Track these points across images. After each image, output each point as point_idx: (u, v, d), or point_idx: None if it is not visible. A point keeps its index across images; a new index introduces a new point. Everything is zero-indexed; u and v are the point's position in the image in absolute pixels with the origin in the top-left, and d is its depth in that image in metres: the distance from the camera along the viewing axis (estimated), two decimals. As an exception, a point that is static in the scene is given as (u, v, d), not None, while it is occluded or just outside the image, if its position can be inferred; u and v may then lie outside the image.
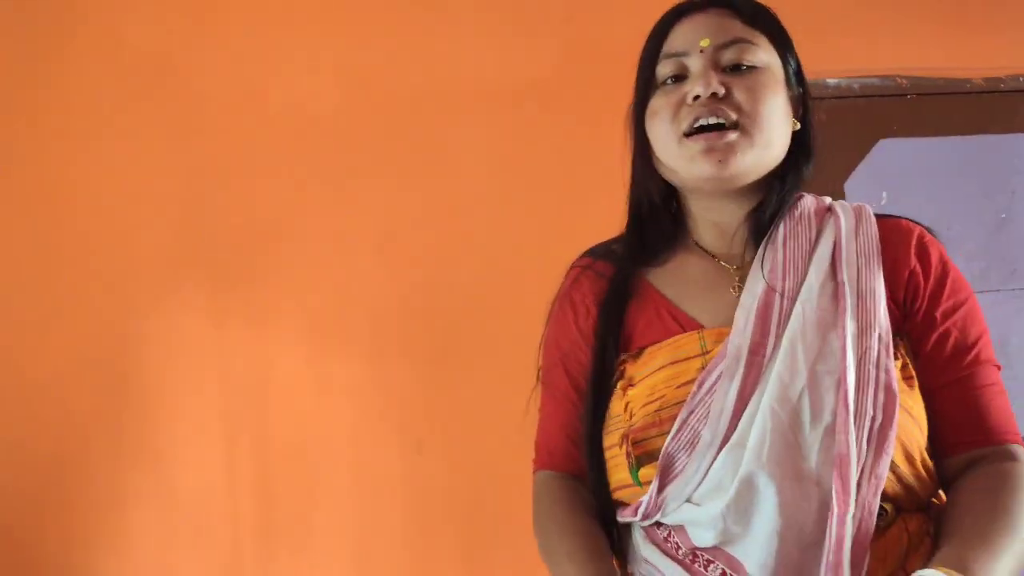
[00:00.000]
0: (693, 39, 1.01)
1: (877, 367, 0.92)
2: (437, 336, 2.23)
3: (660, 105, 1.02)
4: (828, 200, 1.09)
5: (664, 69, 1.03)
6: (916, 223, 1.08)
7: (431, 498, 2.18)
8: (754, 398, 0.93)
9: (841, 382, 0.91)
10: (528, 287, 2.25)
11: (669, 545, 0.97)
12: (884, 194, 2.48)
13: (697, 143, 0.98)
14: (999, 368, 1.02)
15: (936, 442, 0.99)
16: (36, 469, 2.08)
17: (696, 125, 0.99)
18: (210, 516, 2.13)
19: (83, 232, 2.17)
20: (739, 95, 0.98)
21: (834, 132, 2.47)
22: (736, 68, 1.00)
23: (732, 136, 0.98)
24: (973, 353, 1.00)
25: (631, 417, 1.00)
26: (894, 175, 2.49)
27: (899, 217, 1.09)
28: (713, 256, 1.07)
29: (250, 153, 2.24)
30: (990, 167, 2.54)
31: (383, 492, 2.18)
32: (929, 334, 1.00)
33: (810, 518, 0.89)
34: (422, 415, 2.20)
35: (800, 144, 1.07)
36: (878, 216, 1.06)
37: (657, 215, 1.10)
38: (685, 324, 1.02)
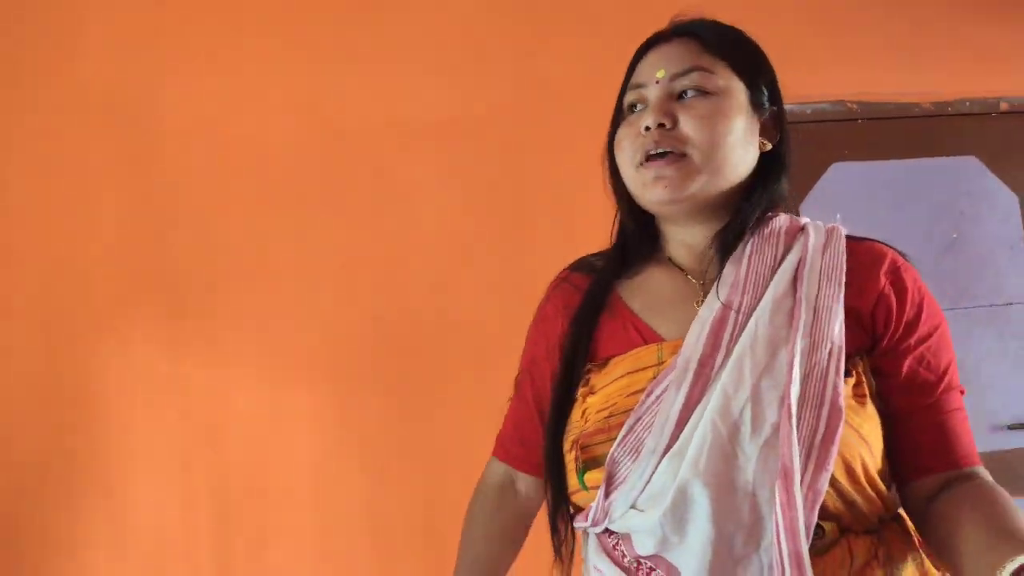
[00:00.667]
0: (652, 70, 1.05)
1: (824, 382, 0.93)
2: (396, 366, 2.22)
3: (623, 135, 1.07)
4: (804, 220, 1.09)
5: (628, 99, 1.08)
6: (890, 247, 1.08)
7: (393, 529, 2.16)
8: (698, 409, 0.94)
9: (785, 397, 0.92)
10: (486, 315, 2.28)
11: (617, 553, 0.98)
12: (838, 216, 2.51)
13: (649, 171, 1.03)
14: (963, 392, 1.03)
15: (903, 465, 1.00)
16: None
17: (647, 155, 1.03)
18: (167, 552, 2.09)
19: (38, 266, 2.14)
20: (686, 123, 1.01)
21: (788, 157, 2.52)
22: (692, 94, 1.03)
23: (677, 163, 1.01)
24: (946, 380, 1.00)
25: (586, 423, 1.02)
26: (846, 198, 2.54)
27: (874, 240, 1.08)
28: (683, 271, 1.10)
29: (205, 186, 2.23)
30: (939, 189, 2.59)
31: (344, 525, 2.16)
32: (904, 359, 1.00)
33: (743, 530, 0.90)
34: (383, 445, 2.19)
35: (771, 163, 1.08)
36: (852, 238, 1.07)
37: (636, 233, 1.13)
38: (647, 336, 1.05)
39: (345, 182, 2.29)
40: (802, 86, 2.56)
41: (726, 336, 0.97)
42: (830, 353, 0.94)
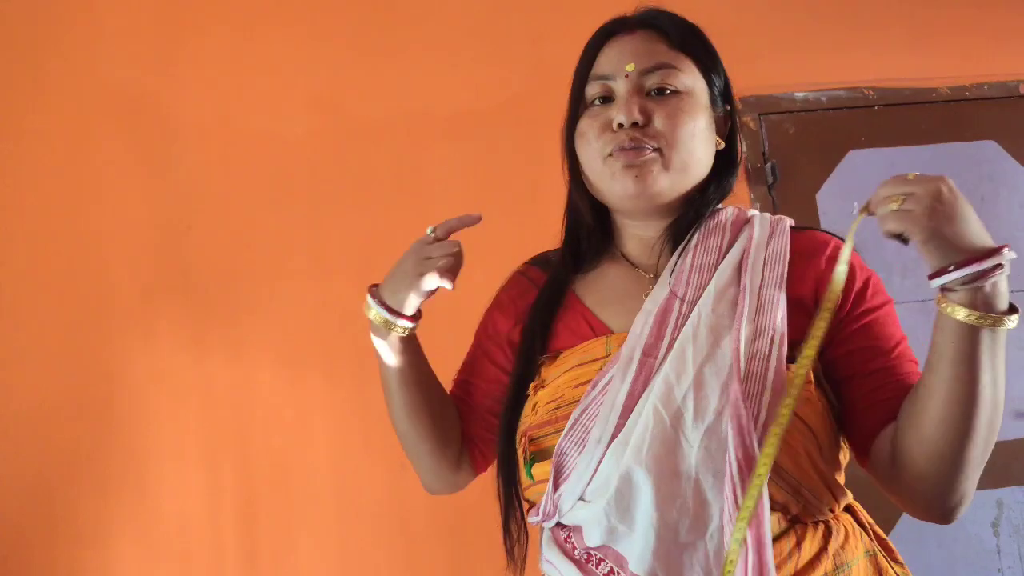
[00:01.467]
0: (619, 63, 1.05)
1: (766, 369, 0.94)
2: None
3: (587, 126, 1.07)
4: (751, 212, 1.12)
5: (592, 90, 1.07)
6: (833, 235, 1.10)
7: (415, 518, 2.17)
8: (642, 398, 0.95)
9: (728, 384, 0.93)
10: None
11: (568, 545, 0.99)
12: (856, 204, 2.51)
13: (618, 160, 1.03)
14: (916, 362, 1.04)
15: (864, 428, 1.00)
16: (20, 502, 2.07)
17: (618, 150, 1.03)
18: (193, 544, 2.11)
19: (62, 265, 2.18)
20: (659, 121, 1.02)
21: (804, 145, 2.51)
22: (660, 92, 1.04)
23: (649, 156, 1.02)
24: (898, 349, 1.01)
25: (535, 416, 1.04)
26: (865, 185, 2.52)
27: (817, 229, 1.12)
28: (634, 265, 1.12)
29: (226, 183, 2.26)
30: (958, 174, 2.54)
31: (366, 514, 2.17)
32: (855, 325, 1.01)
33: (688, 516, 0.90)
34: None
35: (725, 160, 1.10)
36: (796, 229, 1.10)
37: (590, 229, 1.15)
38: (597, 329, 1.07)
39: (362, 175, 2.30)
40: (818, 73, 2.55)
41: (670, 325, 0.99)
42: (771, 340, 0.95)
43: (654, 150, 1.02)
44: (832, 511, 0.98)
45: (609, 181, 1.04)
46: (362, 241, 2.27)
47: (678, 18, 1.09)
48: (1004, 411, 2.65)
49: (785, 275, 1.01)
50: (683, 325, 0.99)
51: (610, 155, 1.04)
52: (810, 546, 0.93)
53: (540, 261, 1.21)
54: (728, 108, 1.11)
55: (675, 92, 1.04)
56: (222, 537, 2.12)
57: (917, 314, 2.47)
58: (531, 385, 1.07)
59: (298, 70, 2.33)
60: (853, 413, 1.01)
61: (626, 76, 1.04)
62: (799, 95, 2.53)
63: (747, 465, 0.88)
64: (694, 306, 1.00)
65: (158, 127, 2.27)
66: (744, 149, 2.48)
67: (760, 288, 1.00)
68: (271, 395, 2.19)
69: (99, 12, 2.30)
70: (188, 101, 2.28)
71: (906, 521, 2.31)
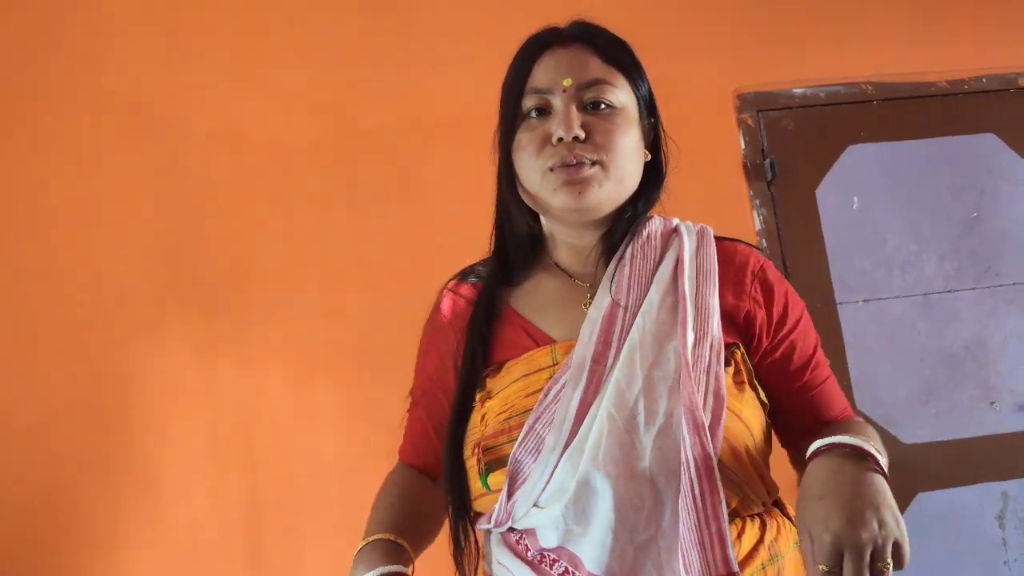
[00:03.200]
0: (556, 77, 1.07)
1: (708, 374, 0.99)
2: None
3: (527, 140, 1.08)
4: (675, 222, 1.16)
5: (528, 103, 1.09)
6: (751, 246, 1.16)
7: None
8: (595, 404, 0.99)
9: (675, 388, 0.98)
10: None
11: (520, 547, 1.02)
12: (855, 199, 2.51)
13: (559, 176, 1.05)
14: (827, 362, 1.15)
15: (789, 436, 1.13)
16: (28, 508, 2.07)
17: (559, 165, 1.06)
18: (202, 548, 2.12)
19: (72, 273, 2.19)
20: (598, 136, 1.05)
21: (803, 140, 2.51)
22: (595, 106, 1.06)
23: (590, 171, 1.05)
24: (813, 360, 1.12)
25: (485, 427, 1.06)
26: (864, 180, 2.52)
27: (736, 241, 1.17)
28: (568, 275, 1.15)
29: (230, 188, 2.28)
30: (958, 168, 2.57)
31: (373, 519, 2.17)
32: (777, 351, 1.10)
33: (642, 515, 0.94)
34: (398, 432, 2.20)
35: (651, 171, 1.13)
36: (718, 239, 1.15)
37: (520, 238, 1.17)
38: (539, 339, 1.09)
39: (368, 181, 2.32)
40: (815, 69, 2.55)
41: (616, 333, 1.03)
42: (711, 347, 1.01)
43: (593, 163, 1.05)
44: (764, 505, 1.04)
45: (549, 194, 1.07)
46: (369, 246, 2.28)
47: (609, 33, 1.12)
48: (1007, 404, 2.62)
49: (717, 284, 1.07)
50: (628, 332, 1.03)
51: (550, 169, 1.06)
52: (749, 538, 0.99)
53: (469, 274, 1.25)
54: (652, 120, 1.14)
55: (610, 107, 1.06)
56: (231, 541, 2.13)
57: (918, 308, 2.48)
58: (477, 396, 1.09)
59: (304, 77, 2.34)
60: (779, 429, 1.13)
61: (564, 90, 1.06)
62: (797, 91, 2.54)
63: (704, 463, 0.93)
64: (636, 314, 1.04)
65: (166, 135, 2.28)
66: (742, 145, 2.49)
67: (697, 297, 1.05)
68: (279, 400, 2.20)
69: (105, 21, 2.31)
70: (196, 109, 2.30)
71: (913, 512, 2.32)
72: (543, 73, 1.08)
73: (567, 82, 1.06)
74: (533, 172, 1.08)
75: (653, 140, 1.14)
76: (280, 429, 2.18)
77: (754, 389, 1.07)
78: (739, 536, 0.98)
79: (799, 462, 1.04)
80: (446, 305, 1.23)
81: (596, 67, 1.07)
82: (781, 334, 1.10)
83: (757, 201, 2.45)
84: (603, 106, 1.06)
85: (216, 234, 2.25)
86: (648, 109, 1.13)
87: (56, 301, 2.17)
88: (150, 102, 2.29)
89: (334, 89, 2.35)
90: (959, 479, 2.37)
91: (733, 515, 0.98)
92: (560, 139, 1.04)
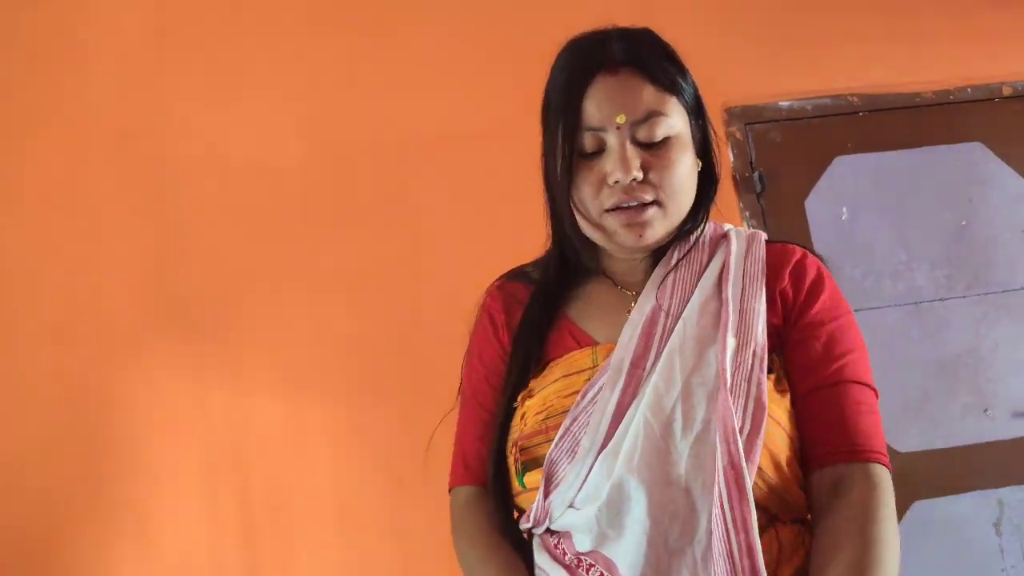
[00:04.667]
0: (608, 113, 1.02)
1: (749, 381, 0.97)
2: (410, 375, 2.22)
3: (581, 180, 1.05)
4: (727, 227, 1.15)
5: (586, 143, 1.04)
6: (801, 247, 1.13)
7: (415, 537, 2.16)
8: (632, 408, 0.98)
9: (714, 394, 0.96)
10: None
11: (558, 551, 1.00)
12: (844, 209, 2.52)
13: (618, 219, 1.04)
14: (875, 392, 1.05)
15: (804, 458, 1.02)
16: (22, 532, 2.06)
17: (618, 207, 1.03)
18: (194, 570, 2.10)
19: (59, 296, 2.18)
20: (654, 175, 1.02)
21: (791, 152, 2.53)
22: (650, 138, 1.03)
23: (650, 212, 1.03)
24: (838, 364, 1.03)
25: (524, 426, 1.05)
26: (852, 190, 2.54)
27: (788, 243, 1.14)
28: (617, 282, 1.14)
29: (217, 210, 2.27)
30: (946, 177, 2.59)
31: (367, 535, 2.16)
32: (795, 340, 1.05)
33: (677, 521, 0.93)
34: (401, 457, 2.19)
35: (704, 177, 1.10)
36: (771, 242, 1.13)
37: (575, 250, 1.14)
38: (581, 340, 1.09)
39: (354, 200, 2.32)
40: (802, 82, 2.57)
41: (656, 337, 1.02)
42: (754, 353, 0.99)
43: (653, 202, 1.03)
44: (805, 512, 1.02)
45: (608, 235, 1.05)
46: (355, 264, 2.27)
47: (657, 49, 1.07)
48: (1001, 411, 2.61)
49: (764, 287, 1.05)
50: (669, 337, 1.02)
51: (607, 211, 1.04)
52: (789, 542, 0.97)
53: (518, 275, 1.23)
54: (701, 122, 1.10)
55: (665, 140, 1.03)
56: (223, 561, 2.11)
57: (909, 317, 2.48)
58: (520, 396, 1.09)
59: (287, 97, 2.35)
60: (799, 437, 1.03)
61: (617, 128, 1.02)
62: (784, 104, 2.55)
63: (735, 474, 0.91)
64: (679, 319, 1.03)
65: (153, 158, 2.28)
66: (731, 158, 2.50)
67: (741, 301, 1.03)
68: (269, 419, 2.19)
69: (86, 49, 2.31)
70: (178, 132, 2.29)
71: (909, 521, 2.31)
72: (595, 109, 1.02)
73: (620, 119, 1.01)
74: (589, 213, 1.05)
75: (702, 140, 1.10)
76: (271, 449, 2.17)
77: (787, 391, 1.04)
78: (778, 539, 0.96)
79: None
80: (495, 301, 1.20)
81: (649, 97, 1.02)
82: (803, 322, 1.05)
83: (747, 213, 2.46)
84: (658, 140, 1.03)
85: (203, 257, 2.24)
86: (697, 114, 1.08)
87: (42, 325, 2.16)
88: (136, 126, 2.29)
89: (320, 110, 2.35)
90: (955, 487, 2.37)
91: (773, 520, 0.97)
92: (617, 181, 1.02)
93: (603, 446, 0.97)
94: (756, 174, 2.49)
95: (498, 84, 2.39)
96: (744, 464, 0.91)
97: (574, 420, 1.00)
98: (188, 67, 2.34)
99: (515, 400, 1.09)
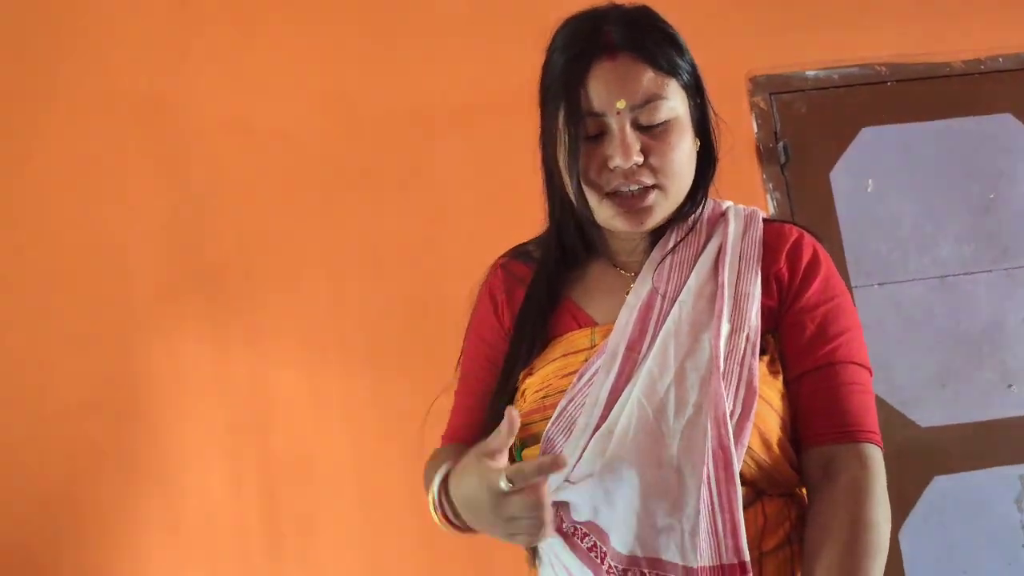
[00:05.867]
0: (608, 99, 1.02)
1: (741, 365, 0.99)
2: (431, 346, 2.21)
3: (584, 163, 1.05)
4: (725, 205, 1.15)
5: (588, 126, 1.04)
6: (800, 228, 1.13)
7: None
8: (626, 390, 1.00)
9: (707, 379, 0.98)
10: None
11: (556, 519, 1.02)
12: (870, 181, 2.49)
13: (618, 205, 1.05)
14: (869, 371, 1.06)
15: (796, 434, 1.04)
16: (49, 501, 2.11)
17: (618, 192, 1.04)
18: (219, 536, 2.14)
19: (82, 268, 2.22)
20: (654, 159, 1.03)
21: (816, 123, 2.49)
22: (650, 122, 1.03)
23: (651, 197, 1.04)
24: (830, 346, 1.04)
25: (524, 402, 1.09)
26: (879, 162, 2.50)
27: (785, 222, 1.15)
28: (615, 265, 1.15)
29: (239, 180, 2.29)
30: (975, 149, 2.54)
31: (387, 503, 2.19)
32: (788, 324, 1.06)
33: (667, 500, 0.96)
34: (418, 423, 2.21)
35: (702, 156, 1.10)
36: (768, 222, 1.13)
37: (575, 232, 1.16)
38: (581, 321, 1.11)
39: (375, 170, 2.32)
40: (830, 51, 2.53)
41: (652, 320, 1.04)
42: (747, 338, 1.01)
43: (653, 186, 1.04)
44: (794, 488, 1.05)
45: (608, 217, 1.06)
46: (376, 235, 2.29)
47: (656, 31, 1.06)
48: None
49: (759, 270, 1.06)
50: (664, 320, 1.03)
51: (607, 195, 1.05)
52: (775, 515, 1.01)
53: (521, 254, 1.23)
54: (699, 101, 1.09)
55: (665, 123, 1.03)
56: (247, 529, 2.15)
57: (934, 291, 2.46)
58: (521, 373, 1.11)
59: (308, 67, 2.35)
60: (793, 417, 1.05)
61: (617, 113, 1.02)
62: (811, 73, 2.51)
63: (723, 456, 0.94)
64: (674, 302, 1.05)
65: (172, 128, 2.30)
66: (755, 129, 2.47)
67: (736, 285, 1.04)
68: (290, 389, 2.21)
69: (109, 17, 2.32)
70: (201, 101, 2.31)
71: (927, 500, 2.30)
72: (595, 95, 1.02)
73: (621, 104, 1.02)
74: (590, 196, 1.06)
75: (700, 120, 1.09)
76: (293, 418, 2.20)
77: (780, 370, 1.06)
78: (764, 512, 1.00)
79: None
80: (498, 281, 1.22)
81: (648, 81, 1.02)
82: (797, 305, 1.05)
83: (770, 185, 2.43)
84: (658, 124, 1.03)
85: (225, 226, 2.26)
86: (696, 92, 1.08)
87: (68, 297, 2.19)
88: (157, 95, 2.30)
89: (341, 79, 2.35)
90: (976, 462, 2.36)
91: (760, 494, 1.00)
92: (617, 165, 1.02)
93: (597, 426, 1.00)
94: (781, 145, 2.46)
95: (520, 55, 2.36)
96: (733, 448, 0.94)
97: (570, 400, 1.02)
98: (211, 36, 2.34)
99: (515, 378, 1.11)
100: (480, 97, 2.35)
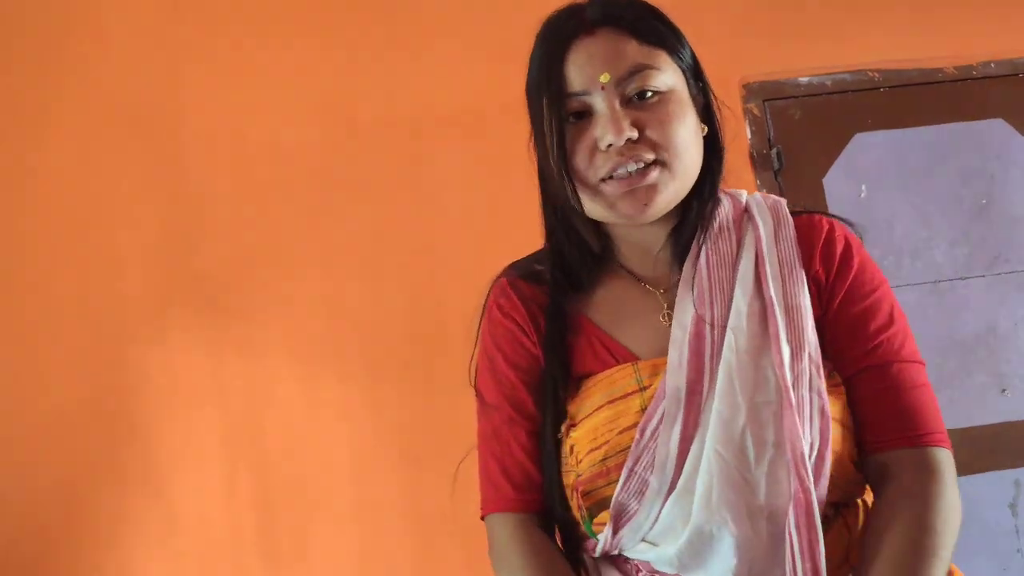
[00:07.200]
0: (591, 74, 0.93)
1: (810, 390, 0.91)
2: (426, 353, 2.23)
3: (573, 150, 0.96)
4: (743, 198, 1.05)
5: (571, 108, 0.96)
6: (830, 217, 1.05)
7: (431, 514, 2.18)
8: (696, 439, 0.91)
9: (779, 412, 0.90)
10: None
11: (630, 567, 0.96)
12: (863, 187, 2.49)
13: (618, 187, 0.95)
14: (921, 364, 1.00)
15: (859, 438, 0.97)
16: (44, 506, 2.10)
17: (616, 173, 0.94)
18: (212, 543, 2.13)
19: (78, 275, 2.21)
20: (652, 132, 0.93)
21: (809, 129, 2.50)
22: (641, 96, 0.94)
23: (654, 175, 0.94)
24: (875, 342, 0.97)
25: (578, 463, 0.96)
26: (872, 168, 2.51)
27: (814, 213, 1.06)
28: (639, 279, 1.03)
29: (234, 188, 2.29)
30: (967, 154, 2.55)
31: (383, 511, 2.18)
32: (831, 323, 0.98)
33: (762, 549, 0.89)
34: (417, 431, 2.21)
35: (709, 145, 1.01)
36: (794, 213, 1.04)
37: (578, 243, 1.04)
38: (619, 355, 0.99)
39: (370, 177, 2.32)
40: (823, 57, 2.53)
41: (707, 355, 0.93)
42: (809, 357, 0.92)
43: (655, 162, 0.94)
44: (863, 487, 1.00)
45: (607, 206, 0.96)
46: (371, 241, 2.28)
47: (638, 6, 0.98)
48: (1018, 391, 2.57)
49: (803, 277, 0.97)
50: (720, 352, 0.93)
51: (604, 180, 0.95)
52: (856, 523, 0.96)
53: (526, 273, 1.09)
54: (701, 85, 1.01)
55: (658, 93, 0.94)
56: (241, 536, 2.14)
57: (928, 296, 2.46)
58: (562, 426, 0.99)
59: (303, 74, 2.35)
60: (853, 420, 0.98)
61: (602, 88, 0.93)
62: (803, 80, 2.52)
63: (805, 499, 0.87)
64: (724, 329, 0.94)
65: (167, 136, 2.30)
66: (748, 135, 2.47)
67: (785, 297, 0.95)
68: (285, 395, 2.21)
69: (105, 28, 2.32)
70: (195, 109, 2.31)
71: (923, 504, 2.30)
72: (576, 72, 0.94)
73: (604, 78, 0.93)
74: (584, 184, 0.96)
75: (704, 107, 1.01)
76: (288, 425, 2.20)
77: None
78: (847, 525, 0.95)
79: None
80: (514, 301, 1.07)
81: (633, 51, 0.94)
82: (835, 302, 0.98)
83: (764, 191, 2.44)
84: (650, 95, 0.94)
85: (219, 233, 2.26)
86: (695, 76, 0.99)
87: (64, 304, 2.19)
88: (150, 103, 2.30)
89: (335, 88, 2.35)
90: (971, 467, 2.36)
91: (838, 507, 0.95)
92: (610, 145, 0.93)
93: (672, 485, 0.90)
94: (774, 151, 2.46)
95: (515, 62, 2.36)
96: (813, 489, 0.87)
97: (637, 460, 0.92)
98: (204, 45, 2.34)
99: (558, 430, 0.99)
100: (475, 105, 2.35)
